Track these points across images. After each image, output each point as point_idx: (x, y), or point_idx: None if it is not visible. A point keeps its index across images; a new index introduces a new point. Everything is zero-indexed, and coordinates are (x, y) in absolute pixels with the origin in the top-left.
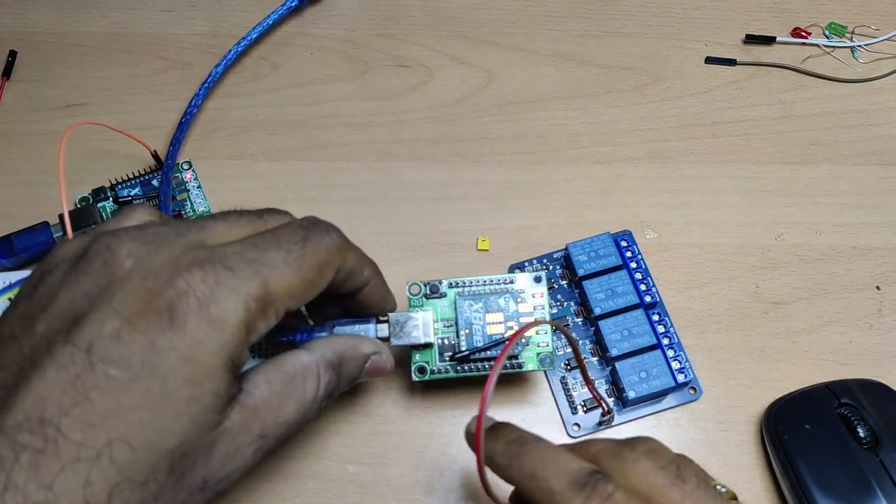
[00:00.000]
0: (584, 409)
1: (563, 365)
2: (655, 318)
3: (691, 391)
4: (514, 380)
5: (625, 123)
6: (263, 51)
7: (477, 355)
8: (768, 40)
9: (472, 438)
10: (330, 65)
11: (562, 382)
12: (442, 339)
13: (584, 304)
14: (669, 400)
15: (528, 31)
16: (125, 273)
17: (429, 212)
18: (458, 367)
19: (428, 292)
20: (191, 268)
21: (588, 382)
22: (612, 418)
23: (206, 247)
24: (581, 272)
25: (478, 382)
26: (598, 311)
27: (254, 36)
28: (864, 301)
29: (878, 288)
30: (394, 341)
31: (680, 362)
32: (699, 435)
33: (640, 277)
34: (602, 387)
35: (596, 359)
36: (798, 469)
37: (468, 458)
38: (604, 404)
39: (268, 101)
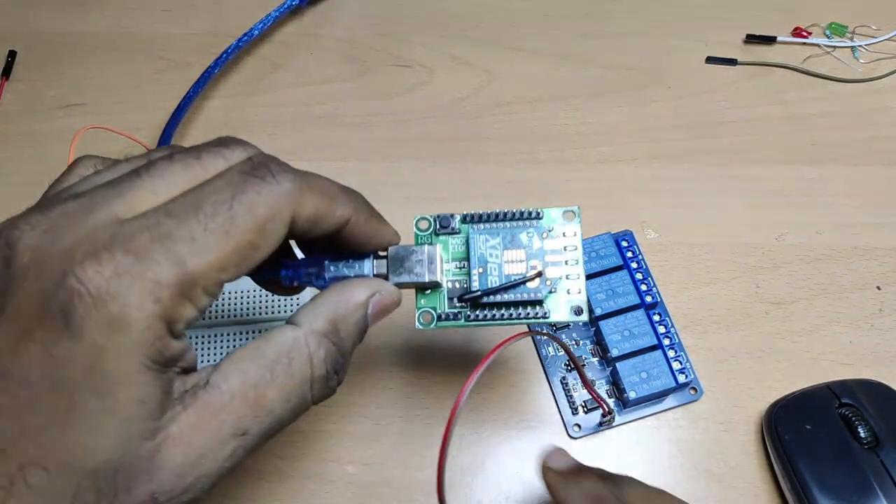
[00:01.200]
0: (585, 409)
1: (563, 365)
2: (656, 318)
3: (692, 391)
4: (513, 380)
5: (625, 123)
6: (263, 50)
7: (491, 299)
8: (769, 40)
9: (549, 477)
10: (330, 65)
11: (562, 383)
12: (452, 281)
13: None
14: (670, 400)
15: (528, 31)
16: (22, 272)
17: (429, 212)
18: (470, 314)
19: (438, 228)
20: (84, 260)
21: (587, 385)
22: (613, 419)
23: (113, 224)
24: None
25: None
26: (598, 312)
27: (253, 35)
28: (864, 301)
29: (878, 288)
30: (392, 279)
31: (681, 363)
32: (700, 435)
33: (641, 278)
34: (603, 387)
35: (596, 359)
36: (798, 469)
37: (469, 459)
38: (604, 405)
39: (268, 101)
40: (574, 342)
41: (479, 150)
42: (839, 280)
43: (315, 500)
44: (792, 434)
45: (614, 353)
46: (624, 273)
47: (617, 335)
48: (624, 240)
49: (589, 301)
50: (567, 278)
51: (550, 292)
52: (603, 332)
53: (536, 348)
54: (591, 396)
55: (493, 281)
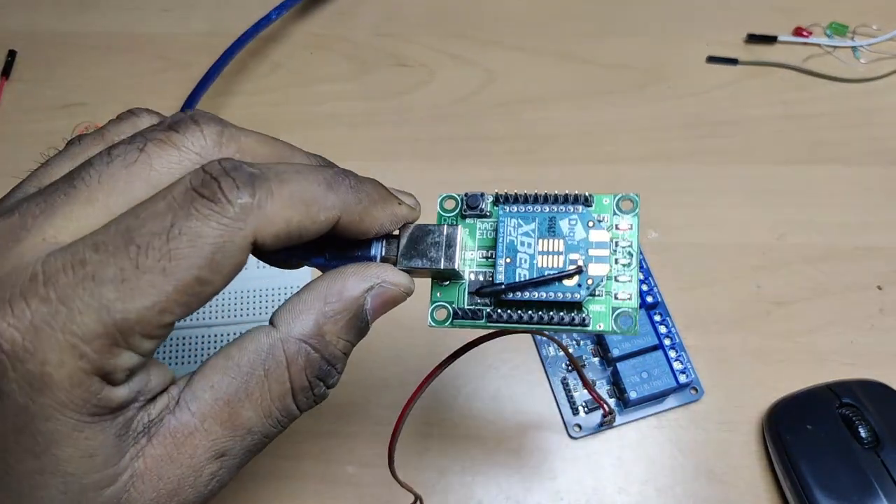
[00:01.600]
0: (586, 410)
1: (563, 366)
2: (657, 318)
3: (693, 392)
4: (514, 380)
5: (626, 123)
6: (264, 50)
7: (517, 296)
8: (770, 40)
9: None
10: (330, 64)
11: (562, 383)
12: (476, 273)
13: None
14: (671, 400)
15: (529, 31)
16: None
17: (429, 211)
18: (492, 313)
19: (465, 209)
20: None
21: (587, 386)
22: (614, 419)
23: (36, 258)
24: None
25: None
26: None
27: (252, 34)
28: (865, 301)
29: (879, 288)
30: (402, 262)
31: (681, 363)
32: (701, 435)
33: (642, 277)
34: (603, 387)
35: (597, 359)
36: (799, 469)
37: (469, 460)
38: (605, 405)
39: (267, 101)
40: (575, 342)
41: (479, 150)
42: (840, 280)
43: (315, 500)
44: (793, 434)
45: (615, 353)
46: None
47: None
48: None
49: None
50: (616, 280)
51: (592, 295)
52: None
53: (537, 348)
54: (591, 397)
55: (522, 274)
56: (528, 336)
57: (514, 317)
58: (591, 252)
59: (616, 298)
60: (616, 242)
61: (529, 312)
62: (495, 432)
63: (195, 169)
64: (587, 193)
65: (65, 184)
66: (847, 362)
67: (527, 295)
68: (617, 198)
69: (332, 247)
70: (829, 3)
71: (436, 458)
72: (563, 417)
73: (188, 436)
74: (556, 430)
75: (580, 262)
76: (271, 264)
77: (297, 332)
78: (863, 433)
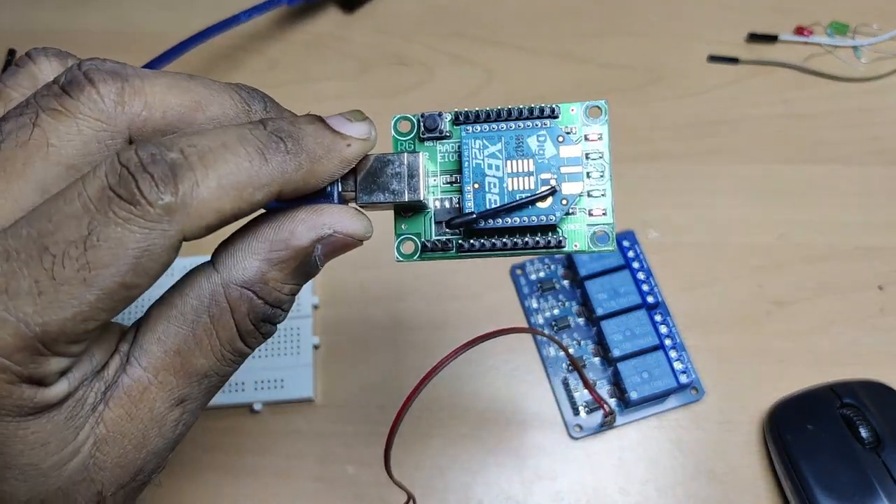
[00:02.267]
0: (586, 410)
1: (564, 366)
2: (658, 318)
3: (693, 392)
4: (514, 380)
5: (627, 122)
6: (262, 48)
7: (490, 224)
8: (771, 39)
9: None
10: (328, 62)
11: (563, 383)
12: (441, 200)
13: (586, 305)
14: (672, 401)
15: (528, 30)
16: None
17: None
18: (464, 243)
19: (423, 131)
20: None
21: (588, 386)
22: (615, 420)
23: None
24: (583, 272)
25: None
26: (600, 312)
27: (210, 33)
28: (866, 301)
29: (880, 288)
30: (362, 198)
31: (682, 363)
32: (702, 436)
33: (643, 278)
34: (604, 388)
35: (598, 359)
36: (800, 469)
37: (469, 460)
38: (605, 406)
39: None
40: (576, 342)
41: None
42: (841, 280)
43: (315, 500)
44: (794, 434)
45: (616, 353)
46: (625, 273)
47: (618, 335)
48: (625, 239)
49: (591, 301)
50: (589, 195)
51: (567, 213)
52: (604, 332)
53: (537, 349)
54: (592, 397)
55: (493, 200)
56: (529, 336)
57: (487, 245)
58: (564, 170)
59: (590, 215)
60: (586, 155)
61: (503, 239)
62: (495, 432)
63: (111, 160)
64: (553, 105)
65: None
66: (848, 362)
67: (499, 222)
68: (585, 106)
69: None
70: (829, 2)
71: (436, 458)
72: (563, 418)
73: (143, 391)
74: (556, 431)
75: (553, 182)
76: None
77: (239, 278)
78: (864, 433)
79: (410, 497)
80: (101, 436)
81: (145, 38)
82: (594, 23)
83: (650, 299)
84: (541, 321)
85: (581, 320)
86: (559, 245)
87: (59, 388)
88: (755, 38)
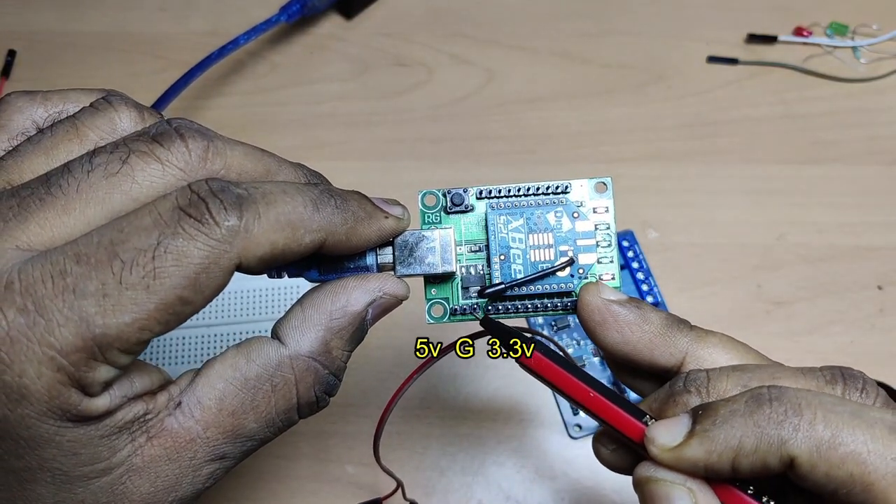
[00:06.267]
0: None
1: None
2: None
3: None
4: (514, 380)
5: (626, 123)
6: (264, 50)
7: (515, 291)
8: (770, 39)
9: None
10: (329, 64)
11: None
12: (467, 267)
13: None
14: None
15: (528, 30)
16: None
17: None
18: (491, 307)
19: (448, 205)
20: None
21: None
22: None
23: (11, 266)
24: None
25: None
26: None
27: (238, 44)
28: (865, 301)
29: (879, 287)
30: (400, 270)
31: None
32: None
33: (643, 277)
34: None
35: (597, 359)
36: None
37: (469, 460)
38: None
39: (266, 101)
40: (575, 342)
41: (479, 150)
42: (840, 280)
43: (315, 500)
44: None
45: None
46: (625, 273)
47: None
48: (625, 239)
49: None
50: (599, 262)
51: (582, 279)
52: None
53: None
54: None
55: (518, 270)
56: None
57: (510, 308)
58: (579, 242)
59: (600, 280)
60: (595, 226)
61: (525, 303)
62: (495, 432)
63: (182, 187)
64: (565, 183)
65: (41, 188)
66: (847, 362)
67: (524, 290)
68: (593, 182)
69: (325, 259)
70: (829, 2)
71: (436, 458)
72: (563, 417)
73: (190, 441)
74: (556, 430)
75: (570, 254)
76: (261, 274)
77: (307, 350)
78: None
79: (399, 484)
80: (135, 466)
81: (144, 39)
82: (594, 23)
83: (650, 299)
84: (540, 321)
85: None
86: (574, 307)
87: (102, 402)
88: (754, 38)
